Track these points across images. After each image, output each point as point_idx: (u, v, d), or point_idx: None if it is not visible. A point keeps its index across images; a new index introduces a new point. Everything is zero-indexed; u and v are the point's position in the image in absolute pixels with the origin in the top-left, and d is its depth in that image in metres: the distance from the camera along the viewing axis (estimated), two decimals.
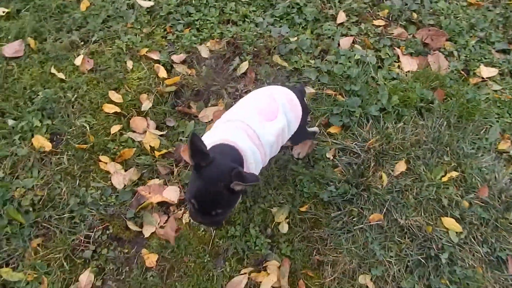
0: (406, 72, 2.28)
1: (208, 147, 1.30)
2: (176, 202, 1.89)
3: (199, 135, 1.25)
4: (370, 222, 1.81)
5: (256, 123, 1.42)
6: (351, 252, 1.77)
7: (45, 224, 1.78)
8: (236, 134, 1.38)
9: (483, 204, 1.87)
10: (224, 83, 2.19)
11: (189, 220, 1.83)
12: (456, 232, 1.78)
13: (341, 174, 1.92)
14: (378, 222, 1.81)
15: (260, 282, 1.72)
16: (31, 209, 1.79)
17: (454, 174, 1.91)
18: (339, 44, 2.35)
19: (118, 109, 2.09)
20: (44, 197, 1.83)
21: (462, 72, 2.31)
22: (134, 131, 2.06)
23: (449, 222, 1.81)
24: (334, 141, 2.03)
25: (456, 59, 2.37)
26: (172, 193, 1.90)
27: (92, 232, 1.78)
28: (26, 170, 1.90)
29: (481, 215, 1.84)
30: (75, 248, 1.75)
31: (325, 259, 1.76)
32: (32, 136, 1.98)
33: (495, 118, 2.14)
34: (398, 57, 2.35)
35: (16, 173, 1.89)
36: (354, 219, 1.83)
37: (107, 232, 1.80)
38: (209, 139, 1.38)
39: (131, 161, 1.98)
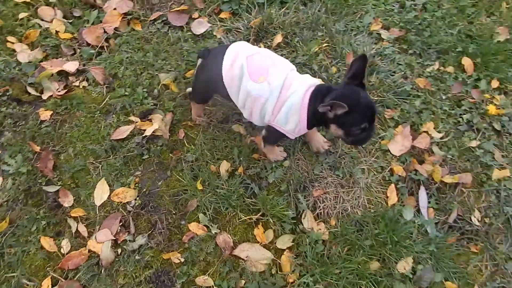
0: None
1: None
2: (75, 71, 2.15)
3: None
4: None
5: None
6: (227, 104, 2.05)
7: None
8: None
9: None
10: None
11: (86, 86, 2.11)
12: None
13: None
14: None
15: (145, 130, 1.99)
16: None
17: (325, 45, 2.22)
18: None
19: None
20: None
21: None
22: (42, 19, 2.33)
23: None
24: (224, 24, 2.32)
25: None
26: (71, 66, 2.17)
27: None
28: None
29: None
30: None
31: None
32: None
33: (372, 6, 2.46)
34: None
35: None
36: None
37: (7, 94, 2.06)
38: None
39: (37, 42, 2.24)
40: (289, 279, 1.73)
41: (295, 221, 1.83)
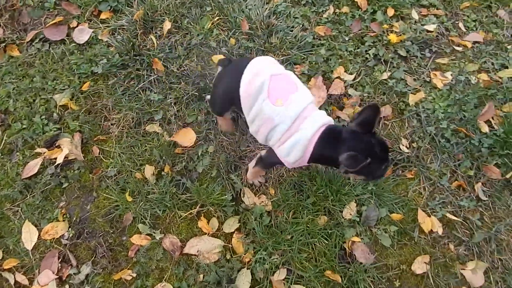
0: None
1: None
2: None
3: None
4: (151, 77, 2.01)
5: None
6: (134, 108, 1.96)
7: None
8: None
9: (247, 37, 2.14)
10: None
11: None
12: None
13: (116, 50, 2.10)
14: (159, 76, 2.02)
15: (55, 158, 1.87)
16: None
17: (217, 19, 2.16)
18: None
19: None
20: None
21: None
22: None
23: (217, 57, 2.06)
24: (107, 25, 2.19)
25: None
26: None
27: None
28: None
29: (247, 45, 2.11)
30: None
31: (111, 122, 1.95)
32: None
33: None
34: None
35: None
36: (133, 83, 2.03)
37: None
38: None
39: None
40: (245, 259, 1.73)
41: (234, 202, 1.82)
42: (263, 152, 1.68)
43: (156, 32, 2.13)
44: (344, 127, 1.58)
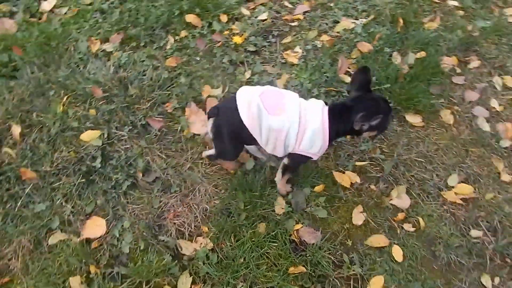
0: None
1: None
2: None
3: None
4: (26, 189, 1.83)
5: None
6: (25, 230, 1.77)
7: None
8: None
9: (106, 100, 2.07)
10: None
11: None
12: None
13: None
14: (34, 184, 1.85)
15: None
16: None
17: (66, 98, 2.05)
18: None
19: None
20: None
21: None
22: None
23: (86, 134, 1.96)
24: None
25: None
26: None
27: None
28: None
29: (109, 108, 2.04)
30: None
31: (7, 258, 1.73)
32: None
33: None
34: None
35: None
36: (10, 205, 1.83)
37: None
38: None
39: None
40: None
41: (176, 260, 1.77)
42: (285, 161, 1.79)
43: (8, 142, 1.94)
44: (343, 99, 1.85)
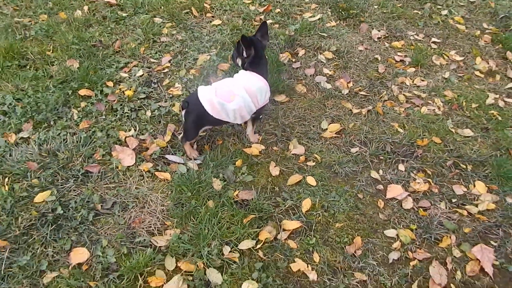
0: None
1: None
2: None
3: None
4: None
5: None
6: None
7: None
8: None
9: None
10: None
11: None
12: None
13: None
14: None
15: None
16: None
17: None
18: None
19: None
20: None
21: None
22: None
23: None
24: None
25: None
26: None
27: None
28: None
29: None
30: None
31: None
32: None
33: None
34: None
35: None
36: None
37: None
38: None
39: None
40: None
41: (157, 250, 2.17)
42: (252, 118, 2.60)
43: None
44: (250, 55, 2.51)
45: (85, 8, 3.81)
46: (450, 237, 2.33)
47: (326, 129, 2.94)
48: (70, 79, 3.03)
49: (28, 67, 3.16)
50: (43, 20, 3.63)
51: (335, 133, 2.89)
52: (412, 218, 2.43)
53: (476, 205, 2.53)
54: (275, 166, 2.64)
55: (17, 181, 2.35)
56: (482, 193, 2.60)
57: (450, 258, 2.25)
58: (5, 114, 2.78)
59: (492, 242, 2.34)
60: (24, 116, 2.76)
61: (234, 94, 2.37)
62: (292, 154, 2.73)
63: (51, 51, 3.31)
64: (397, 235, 2.33)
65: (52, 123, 2.75)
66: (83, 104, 2.91)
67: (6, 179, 2.34)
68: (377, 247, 2.28)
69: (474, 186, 2.65)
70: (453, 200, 2.55)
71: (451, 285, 2.14)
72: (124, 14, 3.77)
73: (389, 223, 2.40)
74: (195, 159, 2.54)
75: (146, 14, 3.79)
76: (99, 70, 3.16)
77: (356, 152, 2.78)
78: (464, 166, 2.75)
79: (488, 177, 2.69)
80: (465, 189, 2.62)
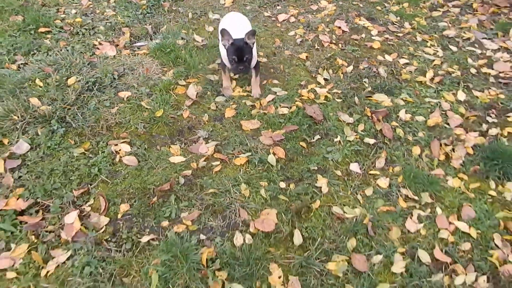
0: None
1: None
2: None
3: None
4: None
5: None
6: None
7: None
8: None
9: None
10: None
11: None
12: None
13: None
14: None
15: None
16: None
17: None
18: None
19: None
20: None
21: None
22: None
23: None
24: None
25: None
26: None
27: None
28: None
29: None
30: None
31: None
32: None
33: None
34: None
35: None
36: None
37: None
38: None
39: None
40: None
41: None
42: (254, 69, 3.15)
43: None
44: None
45: None
46: None
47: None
48: (24, 25, 3.86)
49: None
50: None
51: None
52: None
53: None
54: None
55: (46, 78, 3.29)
56: None
57: None
58: None
59: None
60: (9, 53, 3.59)
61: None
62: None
63: None
64: None
65: (35, 51, 3.64)
66: (49, 36, 3.83)
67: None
68: None
69: None
70: None
71: None
72: None
73: None
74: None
75: None
76: (42, 17, 4.03)
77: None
78: None
79: None
80: None
